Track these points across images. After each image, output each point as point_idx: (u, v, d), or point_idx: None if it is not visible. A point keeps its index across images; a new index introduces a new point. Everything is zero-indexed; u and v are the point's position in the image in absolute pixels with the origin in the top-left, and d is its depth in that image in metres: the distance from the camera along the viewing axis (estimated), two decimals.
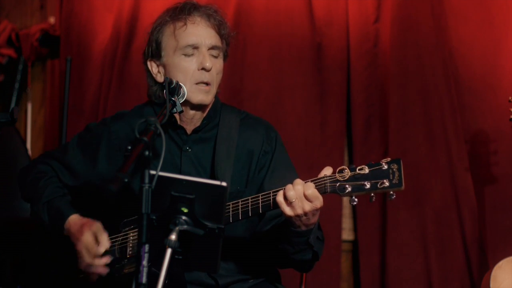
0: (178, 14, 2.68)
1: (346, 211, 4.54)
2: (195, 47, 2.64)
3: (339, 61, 4.55)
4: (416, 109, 4.44)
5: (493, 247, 4.29)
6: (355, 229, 4.51)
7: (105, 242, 2.56)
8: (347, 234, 4.55)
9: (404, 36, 4.46)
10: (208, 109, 2.74)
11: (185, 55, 2.64)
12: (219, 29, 2.69)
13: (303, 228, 2.43)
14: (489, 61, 4.43)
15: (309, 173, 4.23)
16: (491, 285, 3.61)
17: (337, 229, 4.44)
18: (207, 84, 2.64)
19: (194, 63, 2.64)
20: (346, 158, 4.58)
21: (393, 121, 4.42)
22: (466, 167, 4.35)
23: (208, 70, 2.62)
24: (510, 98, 3.85)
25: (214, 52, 2.67)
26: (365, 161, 4.34)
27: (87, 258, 2.56)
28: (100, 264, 2.56)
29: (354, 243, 4.54)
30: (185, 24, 2.65)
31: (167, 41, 2.68)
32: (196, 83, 2.63)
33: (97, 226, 2.58)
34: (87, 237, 2.56)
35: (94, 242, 2.56)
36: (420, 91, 4.45)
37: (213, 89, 2.68)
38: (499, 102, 4.29)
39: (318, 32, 4.56)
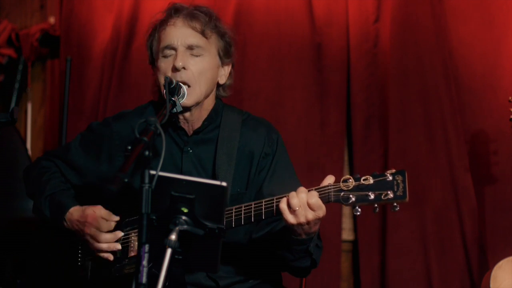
0: (163, 17, 2.69)
1: (346, 211, 4.54)
2: (172, 48, 2.63)
3: (339, 61, 4.54)
4: (416, 109, 4.43)
5: (493, 247, 4.29)
6: (355, 229, 4.51)
7: (113, 216, 2.59)
8: (347, 234, 4.55)
9: (404, 36, 4.46)
10: (209, 110, 2.73)
11: (164, 56, 2.64)
12: (202, 27, 2.64)
13: (304, 236, 2.42)
14: (489, 61, 4.42)
15: (309, 173, 4.26)
16: (491, 285, 3.61)
17: (337, 229, 4.43)
18: (183, 84, 2.58)
19: (170, 64, 2.62)
20: (346, 158, 4.58)
21: (393, 121, 4.42)
22: (466, 167, 4.34)
23: (178, 70, 2.58)
24: (510, 98, 3.85)
25: (194, 52, 2.63)
26: (365, 161, 4.42)
27: (98, 236, 2.57)
28: (114, 239, 2.57)
29: (354, 243, 4.54)
30: (165, 27, 2.66)
31: (155, 46, 2.71)
32: None
33: (99, 207, 2.60)
34: (94, 218, 2.57)
35: (103, 219, 2.58)
36: (420, 91, 4.44)
37: (197, 90, 2.62)
38: (499, 102, 4.29)
39: (318, 32, 4.56)
